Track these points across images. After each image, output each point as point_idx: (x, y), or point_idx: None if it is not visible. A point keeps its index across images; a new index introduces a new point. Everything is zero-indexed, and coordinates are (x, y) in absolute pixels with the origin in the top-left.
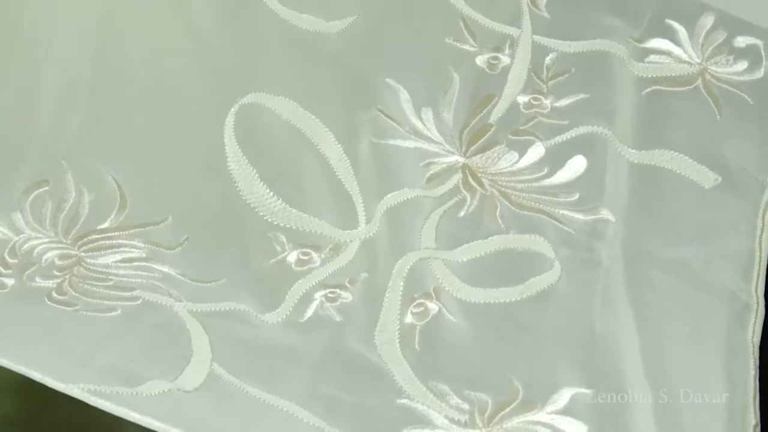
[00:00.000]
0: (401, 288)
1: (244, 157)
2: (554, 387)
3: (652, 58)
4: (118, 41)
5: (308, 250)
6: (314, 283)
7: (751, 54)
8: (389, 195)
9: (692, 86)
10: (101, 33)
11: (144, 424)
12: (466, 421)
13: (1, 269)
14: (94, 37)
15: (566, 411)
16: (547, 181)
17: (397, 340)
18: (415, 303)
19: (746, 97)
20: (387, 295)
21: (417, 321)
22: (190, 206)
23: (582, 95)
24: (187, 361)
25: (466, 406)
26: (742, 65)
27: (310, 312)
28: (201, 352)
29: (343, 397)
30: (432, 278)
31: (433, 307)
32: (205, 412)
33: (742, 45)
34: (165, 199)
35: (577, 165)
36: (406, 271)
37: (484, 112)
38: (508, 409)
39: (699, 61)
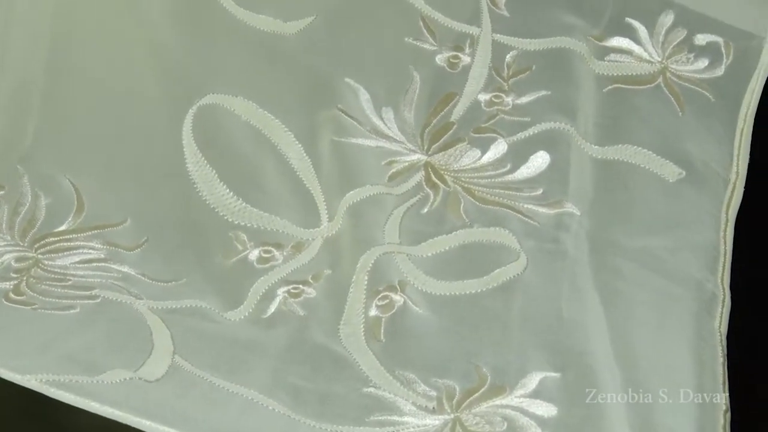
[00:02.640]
0: (365, 282)
1: (203, 158)
2: (523, 371)
3: (613, 56)
4: (72, 44)
5: (270, 248)
6: (276, 280)
7: (711, 51)
8: (351, 192)
9: (653, 84)
10: (54, 36)
11: (104, 414)
12: (434, 408)
13: None
14: (48, 40)
15: (536, 394)
16: (510, 177)
17: (362, 332)
18: (379, 296)
19: (707, 94)
20: (351, 289)
21: (382, 313)
22: (149, 208)
23: (543, 92)
24: (148, 354)
25: (433, 393)
26: (703, 63)
27: (273, 308)
28: (162, 346)
29: (307, 386)
30: (396, 272)
31: (398, 299)
32: (168, 400)
33: (703, 43)
34: (123, 201)
35: (539, 161)
36: (370, 265)
37: (445, 110)
38: (476, 395)
39: (659, 59)
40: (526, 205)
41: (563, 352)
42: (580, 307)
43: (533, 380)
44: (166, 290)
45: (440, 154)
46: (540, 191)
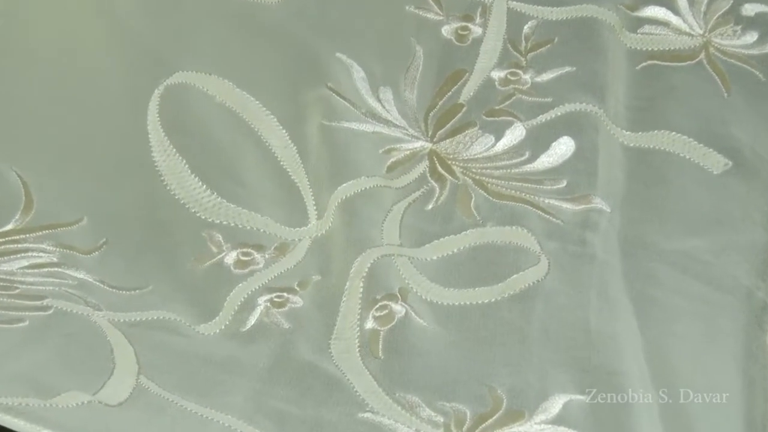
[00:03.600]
0: (361, 289)
1: (172, 147)
2: (544, 394)
3: (647, 28)
4: (18, 20)
5: (249, 250)
6: (257, 287)
7: (761, 24)
8: (344, 185)
9: (694, 61)
10: (2, 15)
11: None
12: None
13: None
14: None
15: (559, 420)
16: (529, 167)
17: (357, 348)
18: (377, 306)
19: (757, 72)
20: (344, 298)
21: (380, 326)
22: (108, 204)
23: (567, 68)
24: (109, 374)
25: (440, 419)
26: (751, 37)
27: (253, 320)
28: (125, 365)
29: (294, 412)
30: (397, 278)
31: (398, 309)
32: (132, 426)
33: (751, 13)
34: (78, 196)
35: (563, 148)
36: (366, 270)
37: (453, 90)
38: (490, 421)
39: (701, 32)
40: (547, 200)
41: (590, 371)
42: (611, 318)
43: (556, 404)
44: (128, 300)
45: (447, 141)
46: (563, 184)
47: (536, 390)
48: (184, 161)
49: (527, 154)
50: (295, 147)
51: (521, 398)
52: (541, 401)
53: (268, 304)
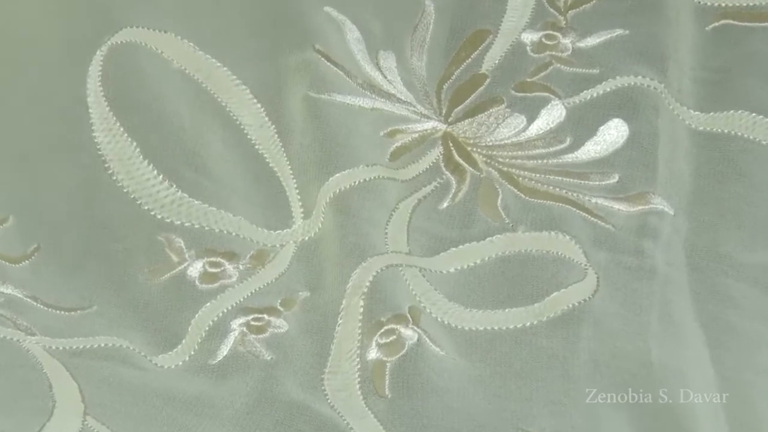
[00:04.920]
0: (361, 309)
1: (118, 125)
2: None
3: None
4: None
5: (219, 260)
6: (230, 308)
7: None
8: (336, 176)
9: None
10: None
11: None
12: None
13: None
14: None
15: None
16: (570, 157)
17: (358, 385)
18: (382, 330)
19: None
20: (340, 320)
21: (386, 356)
22: (39, 200)
23: (618, 31)
24: (48, 415)
25: None
26: None
27: (225, 349)
28: (68, 403)
29: None
30: (406, 295)
31: (409, 335)
32: None
33: None
34: (1, 191)
35: (614, 133)
36: (367, 285)
37: (473, 56)
38: None
39: None
40: (594, 200)
41: (653, 412)
42: (677, 347)
43: None
44: (68, 322)
45: (466, 121)
46: (615, 179)
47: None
48: (135, 144)
49: (568, 141)
50: (273, 126)
51: None
52: None
53: (244, 329)
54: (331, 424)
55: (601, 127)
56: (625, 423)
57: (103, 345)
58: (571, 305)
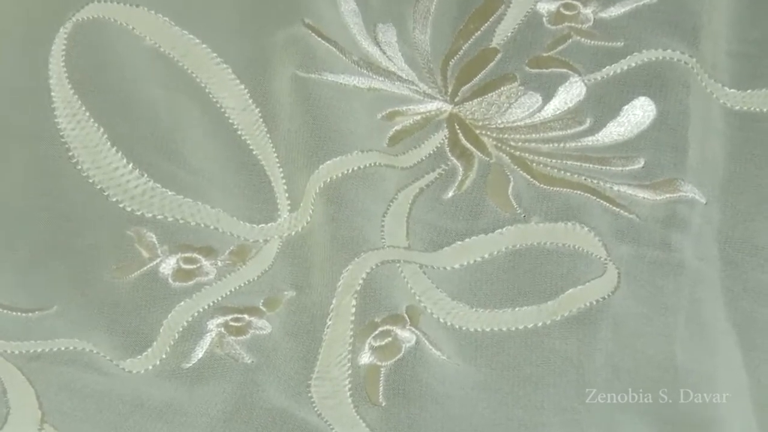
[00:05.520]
0: (353, 310)
1: (83, 109)
2: None
3: None
4: None
5: (195, 256)
6: (206, 307)
7: None
8: (327, 163)
9: None
10: None
11: None
12: None
13: None
14: None
15: None
16: (590, 140)
17: (348, 391)
18: (376, 332)
19: None
20: (329, 321)
21: (380, 360)
22: None
23: (645, 0)
24: (1, 423)
25: None
26: None
27: (200, 352)
28: (23, 411)
29: None
30: (404, 293)
31: (406, 337)
32: None
33: None
34: None
35: (639, 113)
36: (360, 282)
37: (482, 29)
38: None
39: None
40: (617, 187)
41: (678, 421)
42: (705, 351)
43: None
44: (26, 325)
45: (475, 101)
46: (640, 164)
47: None
48: (102, 130)
49: (588, 122)
50: (258, 110)
51: None
52: None
53: (222, 330)
54: None
55: (626, 107)
56: None
57: (63, 348)
58: (588, 303)
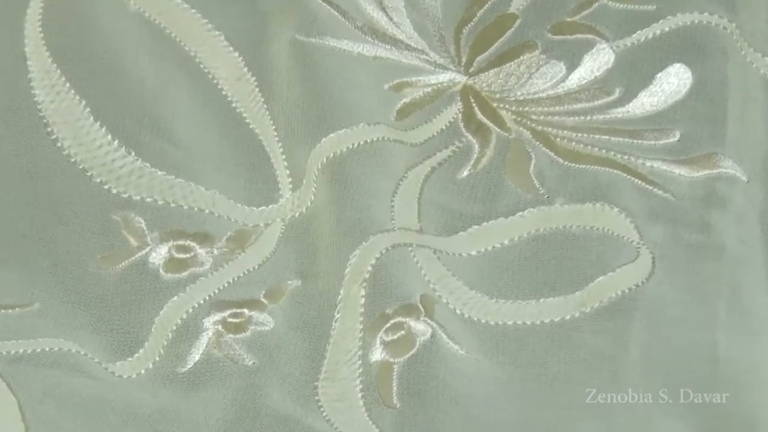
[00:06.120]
0: (362, 300)
1: (63, 80)
2: None
3: None
4: None
5: (189, 243)
6: (202, 302)
7: None
8: (331, 136)
9: None
10: None
11: None
12: None
13: None
14: None
15: None
16: (620, 111)
17: (359, 393)
18: (388, 325)
19: None
20: (337, 314)
21: (393, 356)
22: None
23: None
24: None
25: None
26: None
27: (196, 354)
28: (5, 423)
29: None
30: (417, 281)
31: (420, 329)
32: None
33: None
34: None
35: (674, 82)
36: (370, 269)
37: None
38: None
39: None
40: (650, 163)
41: (720, 416)
42: (748, 340)
43: None
44: (4, 322)
45: (491, 72)
46: (675, 137)
47: None
48: (84, 103)
49: (618, 92)
50: (254, 79)
51: None
52: None
53: (220, 327)
54: None
55: (659, 75)
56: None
57: (47, 349)
58: (620, 292)
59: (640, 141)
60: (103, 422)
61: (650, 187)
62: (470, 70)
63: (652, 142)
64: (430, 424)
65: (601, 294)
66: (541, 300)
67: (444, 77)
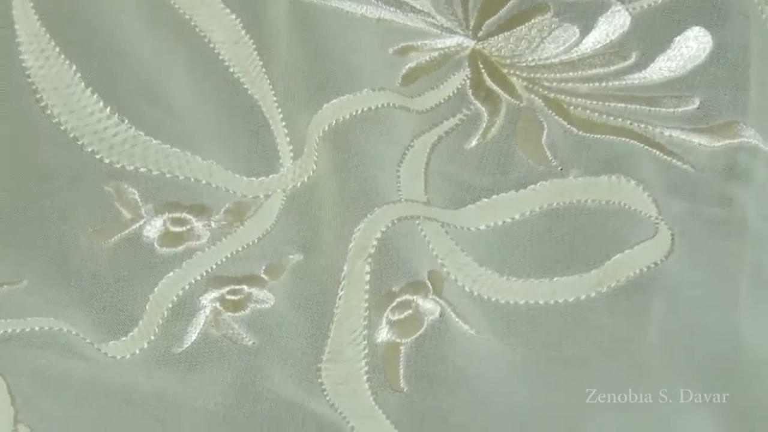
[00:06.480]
0: (367, 276)
1: (53, 44)
2: None
3: None
4: None
5: (185, 216)
6: (199, 278)
7: None
8: (333, 102)
9: None
10: None
11: None
12: None
13: None
14: None
15: None
16: (637, 77)
17: (365, 375)
18: (394, 303)
19: None
20: (341, 291)
21: (400, 336)
22: None
23: None
24: None
25: None
26: None
27: (193, 333)
28: None
29: None
30: (425, 256)
31: (429, 308)
32: None
33: None
34: None
35: (693, 46)
36: (375, 243)
37: None
38: None
39: None
40: (668, 132)
41: (744, 401)
42: None
43: None
44: None
45: (501, 36)
46: (695, 104)
47: None
48: (74, 68)
49: (634, 57)
50: (252, 42)
51: None
52: None
53: (218, 305)
54: (331, 428)
55: (677, 38)
56: (709, 418)
57: (37, 329)
58: (638, 271)
59: (657, 108)
60: (96, 406)
61: (669, 158)
62: (479, 34)
63: (671, 110)
64: (438, 408)
65: (618, 273)
66: (555, 279)
67: (451, 41)
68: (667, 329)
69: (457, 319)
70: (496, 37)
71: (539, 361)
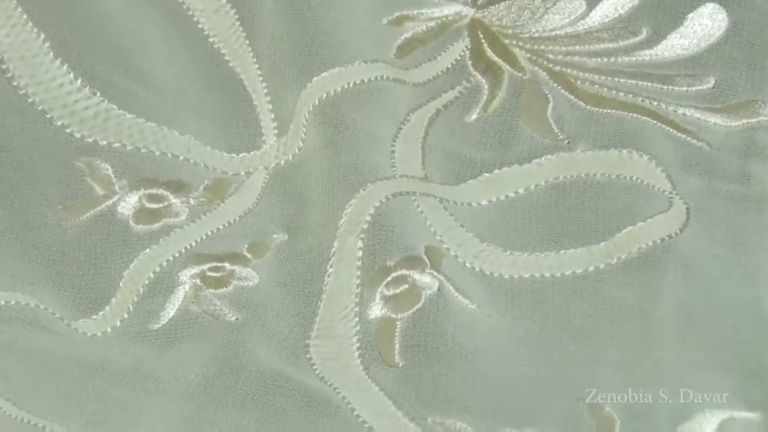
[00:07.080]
0: (359, 253)
1: (20, 11)
2: (686, 411)
3: None
4: None
5: (162, 192)
6: (177, 255)
7: None
8: (323, 75)
9: None
10: None
11: None
12: None
13: None
14: None
15: None
16: (648, 54)
17: (357, 351)
18: (389, 278)
19: None
20: (330, 268)
21: (396, 311)
22: None
23: None
24: None
25: None
26: None
27: (171, 309)
28: None
29: None
30: (422, 231)
31: (426, 282)
32: None
33: None
34: None
35: (707, 23)
36: (368, 219)
37: None
38: None
39: None
40: (682, 110)
41: (764, 375)
42: None
43: (706, 426)
44: None
45: (502, 5)
46: (710, 83)
47: (670, 406)
48: (43, 37)
49: (644, 33)
50: (234, 11)
51: (645, 420)
52: (680, 422)
53: (198, 282)
54: (322, 399)
55: (690, 15)
56: (726, 390)
57: (2, 303)
58: (651, 243)
59: (670, 87)
60: (68, 377)
61: (683, 136)
62: (479, 2)
63: (684, 89)
64: (437, 382)
65: (629, 244)
66: (562, 251)
67: (449, 10)
68: (683, 303)
69: (456, 294)
70: (497, 6)
71: (544, 334)
